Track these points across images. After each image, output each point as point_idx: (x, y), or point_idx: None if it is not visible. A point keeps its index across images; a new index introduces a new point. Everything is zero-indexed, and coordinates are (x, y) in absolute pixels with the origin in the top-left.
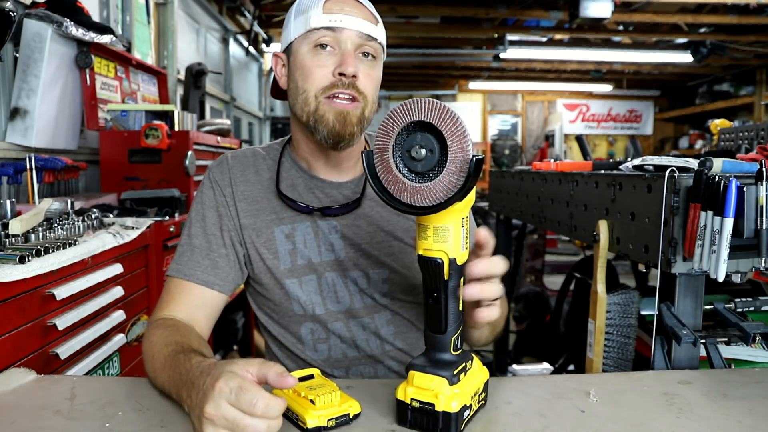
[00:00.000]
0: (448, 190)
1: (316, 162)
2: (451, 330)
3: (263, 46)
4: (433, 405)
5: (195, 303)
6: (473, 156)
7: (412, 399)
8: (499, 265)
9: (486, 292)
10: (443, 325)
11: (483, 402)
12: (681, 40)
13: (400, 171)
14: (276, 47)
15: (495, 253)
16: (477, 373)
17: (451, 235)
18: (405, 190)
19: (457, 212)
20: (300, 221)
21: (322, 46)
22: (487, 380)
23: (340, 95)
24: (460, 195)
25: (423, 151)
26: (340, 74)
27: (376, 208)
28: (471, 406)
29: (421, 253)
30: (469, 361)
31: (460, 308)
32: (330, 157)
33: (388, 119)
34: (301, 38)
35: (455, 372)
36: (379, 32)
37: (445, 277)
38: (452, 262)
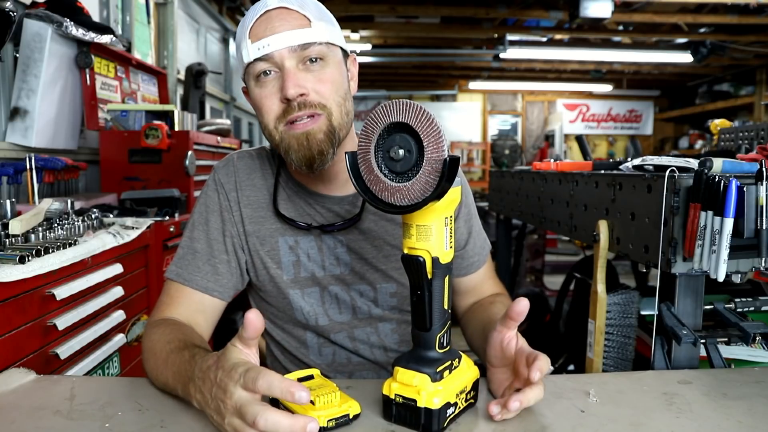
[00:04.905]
0: (425, 189)
1: (309, 180)
2: (436, 328)
3: None
4: (415, 401)
5: (195, 308)
6: (447, 156)
7: (396, 394)
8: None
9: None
10: (428, 323)
11: (472, 401)
12: (681, 40)
13: (381, 171)
14: None
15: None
16: (465, 371)
17: (433, 234)
18: (386, 190)
19: (439, 212)
20: (303, 235)
21: (265, 73)
22: (477, 379)
23: (297, 119)
24: (436, 194)
25: (401, 151)
26: (286, 99)
27: (380, 222)
28: (456, 404)
29: (405, 251)
30: (456, 359)
31: (446, 306)
32: (319, 175)
33: (369, 121)
34: (245, 74)
35: (439, 369)
36: (318, 32)
37: (429, 275)
38: (435, 260)
